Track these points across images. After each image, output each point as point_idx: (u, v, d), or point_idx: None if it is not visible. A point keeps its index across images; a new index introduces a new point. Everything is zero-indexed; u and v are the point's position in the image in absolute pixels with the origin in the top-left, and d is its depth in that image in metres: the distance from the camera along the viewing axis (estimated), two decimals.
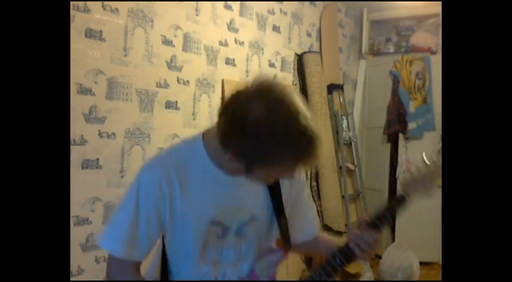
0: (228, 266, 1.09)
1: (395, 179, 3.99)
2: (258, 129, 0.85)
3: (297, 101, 0.89)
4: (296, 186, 1.19)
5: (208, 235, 1.05)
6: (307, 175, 3.62)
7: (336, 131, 3.80)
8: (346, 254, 1.08)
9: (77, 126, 2.15)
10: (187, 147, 1.08)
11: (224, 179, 1.05)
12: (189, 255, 1.07)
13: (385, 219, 1.07)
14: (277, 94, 0.88)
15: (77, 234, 2.18)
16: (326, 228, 3.36)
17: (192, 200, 1.03)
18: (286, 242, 1.12)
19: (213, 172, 1.04)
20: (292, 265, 1.16)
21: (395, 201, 1.07)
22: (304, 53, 3.68)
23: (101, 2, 2.23)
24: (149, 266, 1.16)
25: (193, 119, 2.76)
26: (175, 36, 2.63)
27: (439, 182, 1.07)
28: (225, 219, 1.06)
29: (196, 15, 2.76)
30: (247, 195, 1.09)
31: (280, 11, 3.49)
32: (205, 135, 1.07)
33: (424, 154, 1.09)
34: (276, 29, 3.44)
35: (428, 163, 1.08)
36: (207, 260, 1.07)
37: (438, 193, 3.82)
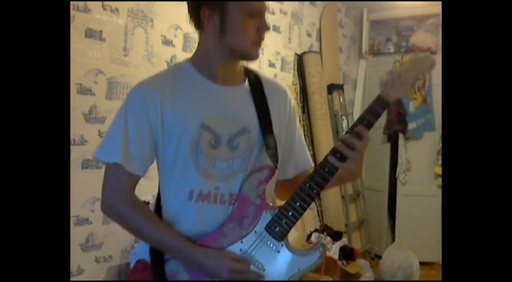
0: (220, 180, 1.08)
1: (396, 179, 3.99)
2: None
3: None
4: (288, 112, 1.20)
5: (200, 140, 1.06)
6: None
7: (336, 131, 3.80)
8: (333, 162, 1.04)
9: (77, 126, 2.15)
10: (175, 68, 1.15)
11: (215, 89, 1.10)
12: (181, 166, 1.07)
13: (366, 120, 1.06)
14: None
15: (77, 234, 2.18)
16: (326, 228, 3.36)
17: (183, 108, 1.06)
18: (273, 160, 1.11)
19: (203, 83, 1.10)
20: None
21: (375, 101, 1.06)
22: (304, 53, 3.67)
23: (101, 2, 2.22)
24: None
25: None
26: (175, 36, 2.63)
27: (415, 78, 1.04)
28: (216, 127, 1.07)
29: None
30: (238, 106, 1.11)
31: (280, 11, 3.49)
32: (189, 58, 1.14)
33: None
34: (276, 29, 3.44)
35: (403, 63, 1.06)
36: (200, 169, 1.07)
37: (438, 193, 3.80)
